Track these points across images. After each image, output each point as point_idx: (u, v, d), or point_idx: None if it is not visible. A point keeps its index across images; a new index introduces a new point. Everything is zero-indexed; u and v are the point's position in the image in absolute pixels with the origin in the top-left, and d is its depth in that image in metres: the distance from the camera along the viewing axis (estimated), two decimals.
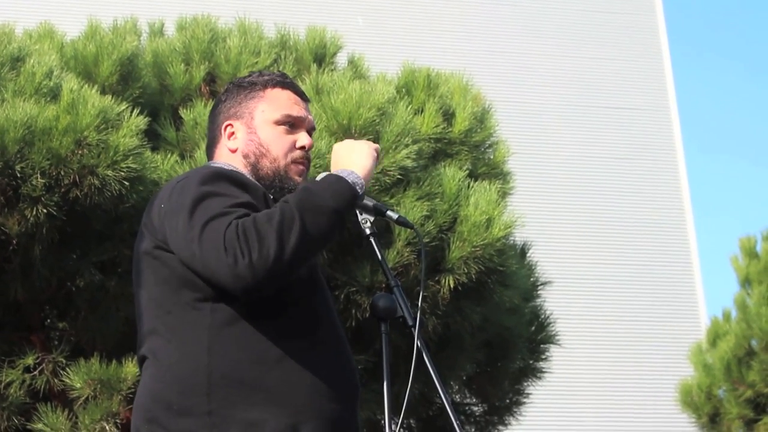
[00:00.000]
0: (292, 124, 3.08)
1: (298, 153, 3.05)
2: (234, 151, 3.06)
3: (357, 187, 2.87)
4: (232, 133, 3.08)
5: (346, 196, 2.83)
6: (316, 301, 2.94)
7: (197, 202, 2.78)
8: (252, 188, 2.90)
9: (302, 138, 3.07)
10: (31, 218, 5.14)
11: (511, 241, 6.75)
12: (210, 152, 3.14)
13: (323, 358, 2.87)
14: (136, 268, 2.97)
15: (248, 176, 3.00)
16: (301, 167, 3.06)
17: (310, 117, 3.14)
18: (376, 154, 3.01)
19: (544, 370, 7.32)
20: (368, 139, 5.58)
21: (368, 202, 3.06)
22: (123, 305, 5.50)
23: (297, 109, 3.10)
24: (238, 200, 2.80)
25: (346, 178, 2.87)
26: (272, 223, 2.70)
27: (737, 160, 36.25)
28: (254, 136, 3.05)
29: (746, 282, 10.32)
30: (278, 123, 3.06)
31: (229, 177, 2.88)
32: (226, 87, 3.18)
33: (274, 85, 3.11)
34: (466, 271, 5.78)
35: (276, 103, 3.08)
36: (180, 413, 2.76)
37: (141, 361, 2.93)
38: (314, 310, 2.92)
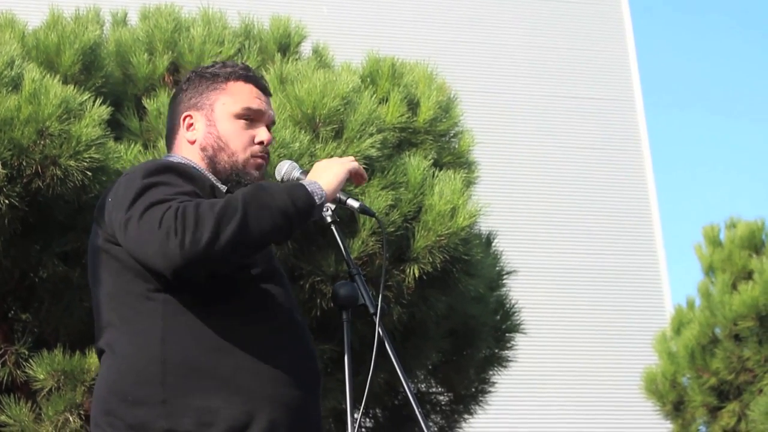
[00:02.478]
0: (251, 117, 3.07)
1: (256, 148, 3.06)
2: (192, 143, 3.06)
3: (315, 197, 2.87)
4: (191, 124, 3.08)
5: (298, 201, 2.83)
6: (273, 289, 2.94)
7: (139, 194, 2.79)
8: (198, 180, 2.91)
9: (261, 133, 3.07)
10: None
11: (476, 230, 6.76)
12: (169, 142, 3.14)
13: (282, 346, 2.87)
14: (91, 263, 2.97)
15: (203, 169, 3.01)
16: (259, 161, 3.07)
17: (270, 111, 3.13)
18: (347, 171, 3.00)
19: (509, 358, 7.34)
20: (332, 129, 5.60)
21: None
22: (86, 296, 5.47)
23: (257, 103, 3.09)
24: (181, 189, 2.81)
25: (305, 185, 2.88)
26: (213, 211, 2.71)
27: (702, 150, 36.50)
28: (213, 129, 3.05)
29: (710, 270, 10.38)
30: (238, 116, 3.06)
31: (176, 169, 2.89)
32: (188, 76, 3.17)
33: (237, 78, 3.10)
34: (431, 260, 5.78)
35: (237, 96, 3.08)
36: (135, 404, 2.76)
37: (99, 354, 2.93)
38: (271, 298, 2.93)
